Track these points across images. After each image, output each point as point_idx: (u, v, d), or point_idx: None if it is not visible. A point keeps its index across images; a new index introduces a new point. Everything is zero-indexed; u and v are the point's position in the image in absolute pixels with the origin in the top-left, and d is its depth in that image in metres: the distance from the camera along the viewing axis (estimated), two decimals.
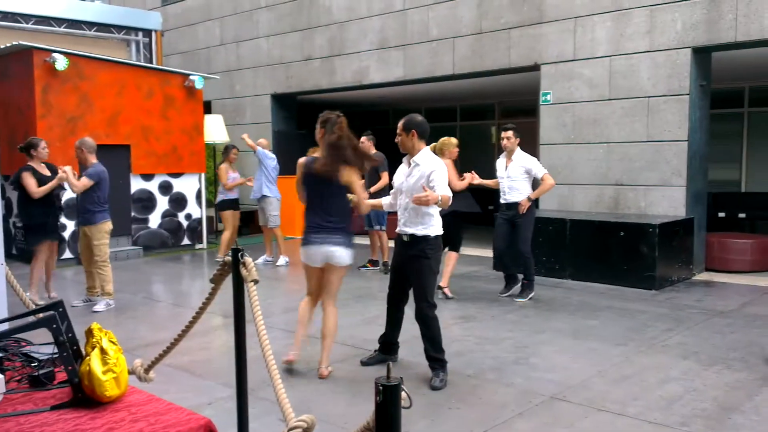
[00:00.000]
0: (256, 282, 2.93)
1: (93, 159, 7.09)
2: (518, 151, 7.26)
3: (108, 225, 7.11)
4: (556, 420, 4.03)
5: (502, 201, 7.36)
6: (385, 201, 5.11)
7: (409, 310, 4.84)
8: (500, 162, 7.42)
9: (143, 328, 6.33)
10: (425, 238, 4.61)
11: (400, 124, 4.75)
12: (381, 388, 1.33)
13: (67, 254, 9.70)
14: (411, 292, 4.83)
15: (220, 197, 9.92)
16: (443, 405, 4.23)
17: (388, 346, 5.05)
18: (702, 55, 8.58)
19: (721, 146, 12.62)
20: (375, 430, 1.35)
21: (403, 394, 1.36)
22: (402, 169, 4.85)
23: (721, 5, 8.10)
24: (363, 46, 12.08)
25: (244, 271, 2.96)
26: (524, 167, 7.16)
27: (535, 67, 9.84)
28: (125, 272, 9.34)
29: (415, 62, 11.33)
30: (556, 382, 4.64)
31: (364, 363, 5.03)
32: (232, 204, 9.89)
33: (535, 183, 7.31)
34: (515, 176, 7.20)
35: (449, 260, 7.40)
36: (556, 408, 4.21)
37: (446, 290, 7.35)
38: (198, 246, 11.59)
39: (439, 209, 4.67)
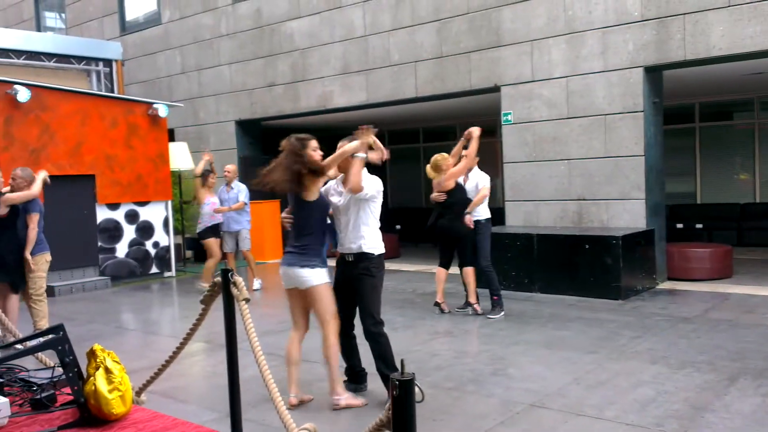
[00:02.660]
0: (247, 301, 3.00)
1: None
2: (475, 169, 7.52)
3: (45, 257, 6.84)
4: (537, 426, 4.15)
5: None
6: None
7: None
8: None
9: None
10: (369, 255, 4.57)
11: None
12: (397, 383, 1.43)
13: None
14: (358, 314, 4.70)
15: (200, 226, 9.54)
16: (428, 417, 4.31)
17: (355, 375, 4.91)
18: (653, 73, 8.95)
19: (676, 160, 13.10)
20: (392, 422, 1.45)
21: (416, 389, 1.46)
22: (333, 190, 4.75)
23: (670, 26, 8.48)
24: (326, 72, 12.24)
25: (235, 291, 3.03)
26: (476, 183, 7.44)
27: (496, 89, 10.11)
28: (94, 303, 9.22)
29: (377, 86, 11.52)
30: (534, 391, 4.77)
31: None
32: (214, 231, 9.52)
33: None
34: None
35: (439, 275, 7.64)
36: (536, 415, 4.33)
37: (443, 305, 7.63)
38: (167, 274, 11.47)
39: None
